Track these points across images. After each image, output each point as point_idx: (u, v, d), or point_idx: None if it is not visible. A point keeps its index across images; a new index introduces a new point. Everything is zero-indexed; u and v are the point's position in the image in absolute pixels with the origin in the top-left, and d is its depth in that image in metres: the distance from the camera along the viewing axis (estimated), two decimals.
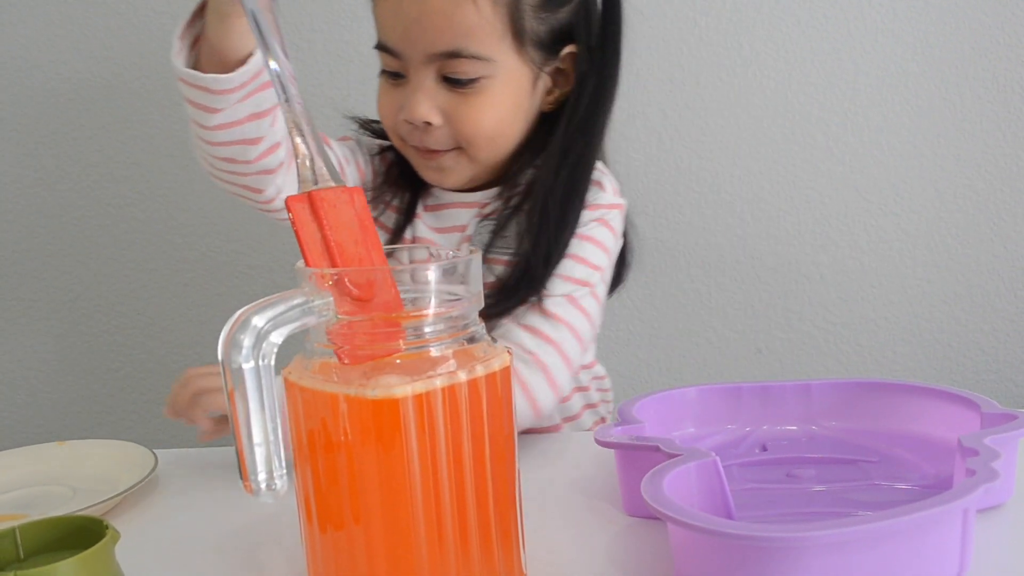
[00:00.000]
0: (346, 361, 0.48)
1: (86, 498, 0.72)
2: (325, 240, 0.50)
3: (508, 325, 0.82)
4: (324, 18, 1.24)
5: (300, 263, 0.50)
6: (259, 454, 0.45)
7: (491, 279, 0.84)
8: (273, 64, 0.54)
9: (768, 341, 1.32)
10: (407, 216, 0.89)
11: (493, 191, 0.88)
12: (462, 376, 0.48)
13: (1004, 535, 0.57)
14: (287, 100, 0.53)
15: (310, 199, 0.50)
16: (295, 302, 0.47)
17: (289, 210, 0.50)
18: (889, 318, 1.31)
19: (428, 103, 0.80)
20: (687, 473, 0.55)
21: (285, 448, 0.46)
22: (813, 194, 1.28)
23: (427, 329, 0.49)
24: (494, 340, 0.53)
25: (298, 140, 0.53)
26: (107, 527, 0.51)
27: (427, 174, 0.86)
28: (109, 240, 1.31)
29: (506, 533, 0.52)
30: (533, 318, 0.82)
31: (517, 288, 0.82)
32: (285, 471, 0.46)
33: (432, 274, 0.49)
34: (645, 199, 1.27)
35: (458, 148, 0.83)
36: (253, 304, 0.46)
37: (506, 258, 0.85)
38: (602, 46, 0.85)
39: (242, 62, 0.71)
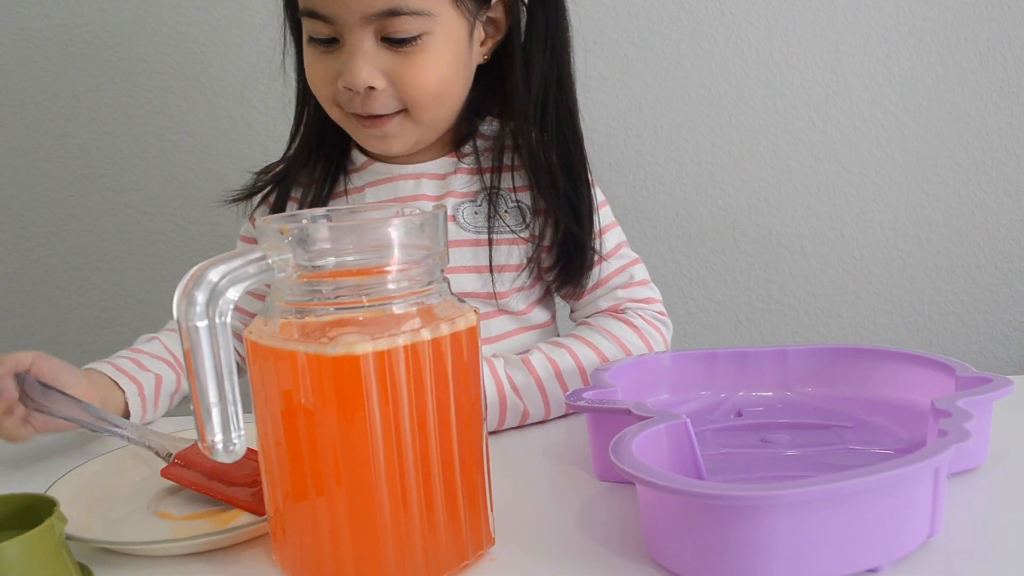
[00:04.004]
0: None
1: None
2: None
3: (615, 292, 0.87)
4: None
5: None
6: (215, 414, 0.44)
7: (514, 261, 0.85)
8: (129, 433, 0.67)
9: (748, 312, 1.31)
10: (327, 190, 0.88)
11: (439, 162, 0.87)
12: (426, 335, 0.47)
13: (977, 499, 0.57)
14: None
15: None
16: (252, 256, 0.46)
17: (172, 479, 0.64)
18: (869, 289, 1.31)
19: (369, 67, 0.76)
20: (657, 435, 0.54)
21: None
22: (794, 164, 1.27)
23: (390, 285, 0.48)
24: (461, 299, 0.52)
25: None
26: (55, 507, 0.49)
27: (370, 143, 0.83)
28: (83, 211, 1.29)
29: (473, 498, 0.51)
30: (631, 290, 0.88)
31: (581, 250, 0.85)
32: (243, 432, 0.45)
33: (396, 230, 0.48)
34: (625, 169, 1.26)
35: (403, 111, 0.80)
36: (210, 260, 0.45)
37: (524, 236, 0.85)
38: None
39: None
